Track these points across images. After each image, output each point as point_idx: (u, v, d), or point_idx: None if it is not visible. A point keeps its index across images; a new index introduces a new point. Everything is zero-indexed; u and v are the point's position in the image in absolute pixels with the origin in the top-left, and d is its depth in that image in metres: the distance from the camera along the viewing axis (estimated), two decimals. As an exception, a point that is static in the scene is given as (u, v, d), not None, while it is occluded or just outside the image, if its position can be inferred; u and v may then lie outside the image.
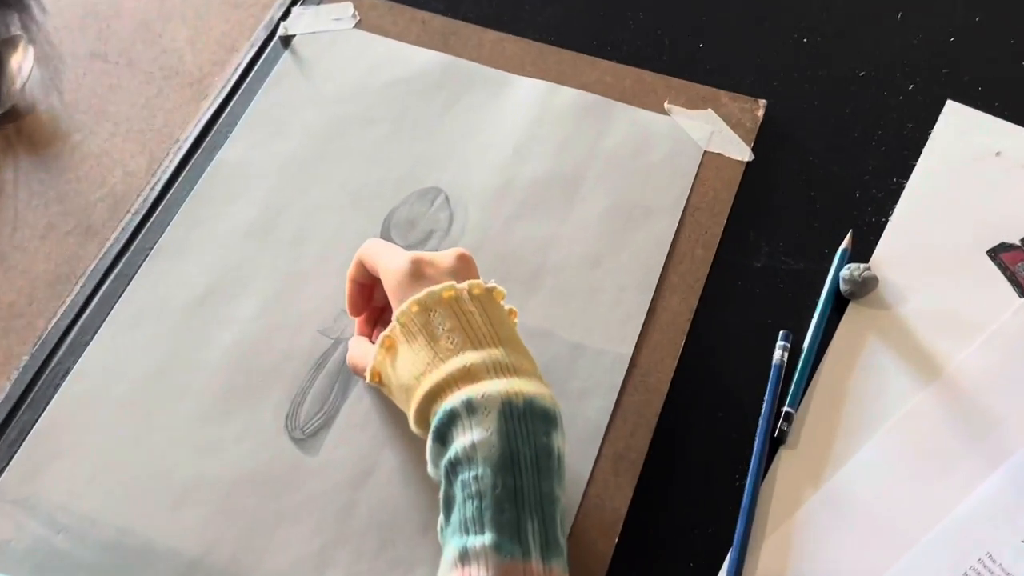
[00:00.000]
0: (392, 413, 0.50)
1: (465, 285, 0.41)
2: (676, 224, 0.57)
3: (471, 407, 0.37)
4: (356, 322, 0.51)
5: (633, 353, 0.52)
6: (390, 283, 0.42)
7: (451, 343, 0.39)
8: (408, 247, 0.56)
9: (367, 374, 0.44)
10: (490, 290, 0.42)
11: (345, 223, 0.57)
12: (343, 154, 0.60)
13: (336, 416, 0.51)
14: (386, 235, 0.57)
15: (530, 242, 0.56)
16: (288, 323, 0.54)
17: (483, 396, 0.37)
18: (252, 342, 0.53)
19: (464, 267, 0.43)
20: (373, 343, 0.48)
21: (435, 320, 0.40)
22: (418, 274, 0.41)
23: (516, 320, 0.45)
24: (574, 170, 0.58)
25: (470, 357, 0.39)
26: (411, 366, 0.40)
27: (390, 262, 0.43)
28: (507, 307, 0.44)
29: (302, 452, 0.50)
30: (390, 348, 0.41)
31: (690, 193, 0.58)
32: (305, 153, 0.60)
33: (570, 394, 0.51)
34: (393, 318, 0.41)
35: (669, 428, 0.50)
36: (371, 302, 0.49)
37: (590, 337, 0.53)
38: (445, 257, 0.43)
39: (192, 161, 0.59)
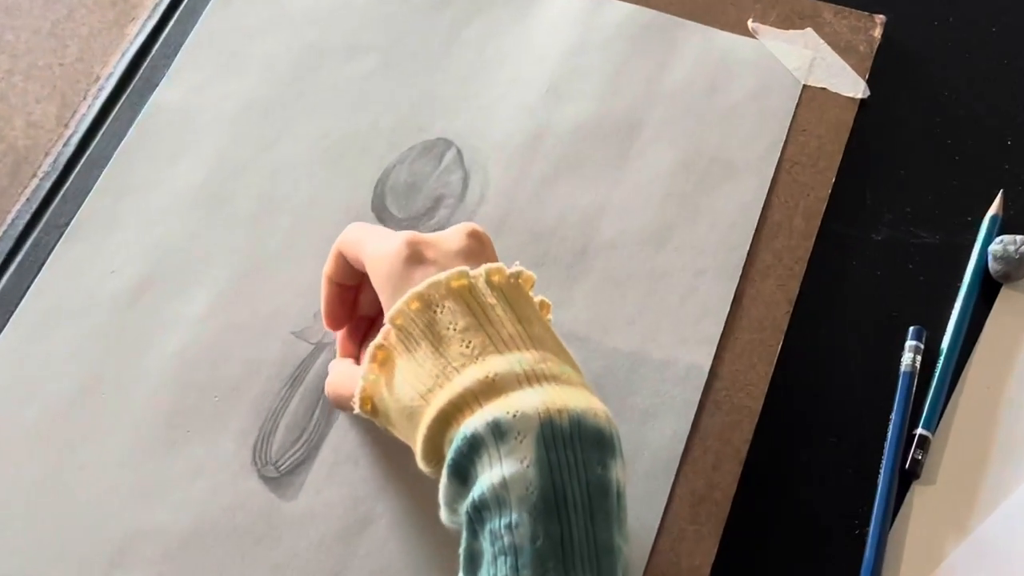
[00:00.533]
0: (395, 442, 0.48)
1: (481, 271, 0.40)
2: (767, 185, 0.56)
3: (499, 430, 0.36)
4: (337, 337, 0.50)
5: (713, 361, 0.52)
6: (380, 274, 0.41)
7: (467, 347, 0.38)
8: (408, 221, 0.56)
9: (355, 402, 0.42)
10: (515, 276, 0.41)
11: (323, 189, 0.57)
12: (319, 96, 0.59)
13: (320, 447, 0.50)
14: (379, 205, 0.56)
15: (571, 212, 0.56)
16: (252, 323, 0.53)
17: (515, 415, 0.36)
18: (205, 349, 0.53)
19: (478, 247, 0.42)
20: (360, 364, 0.47)
21: (443, 318, 0.39)
22: (416, 259, 0.41)
23: (550, 316, 0.44)
24: (628, 114, 0.58)
25: (494, 364, 0.38)
26: (415, 382, 0.39)
27: (378, 247, 0.42)
28: (538, 298, 0.43)
29: (276, 496, 0.49)
30: (384, 362, 0.41)
31: (785, 143, 0.57)
32: (268, 95, 0.59)
33: (630, 416, 0.51)
34: (386, 320, 0.40)
35: (764, 459, 0.50)
36: (356, 310, 0.49)
37: (655, 340, 0.52)
38: (451, 236, 0.42)
39: (117, 107, 0.59)
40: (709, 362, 0.52)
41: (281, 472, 0.50)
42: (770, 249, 0.54)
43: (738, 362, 0.52)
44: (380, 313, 0.44)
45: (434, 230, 0.53)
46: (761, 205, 0.55)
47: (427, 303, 0.39)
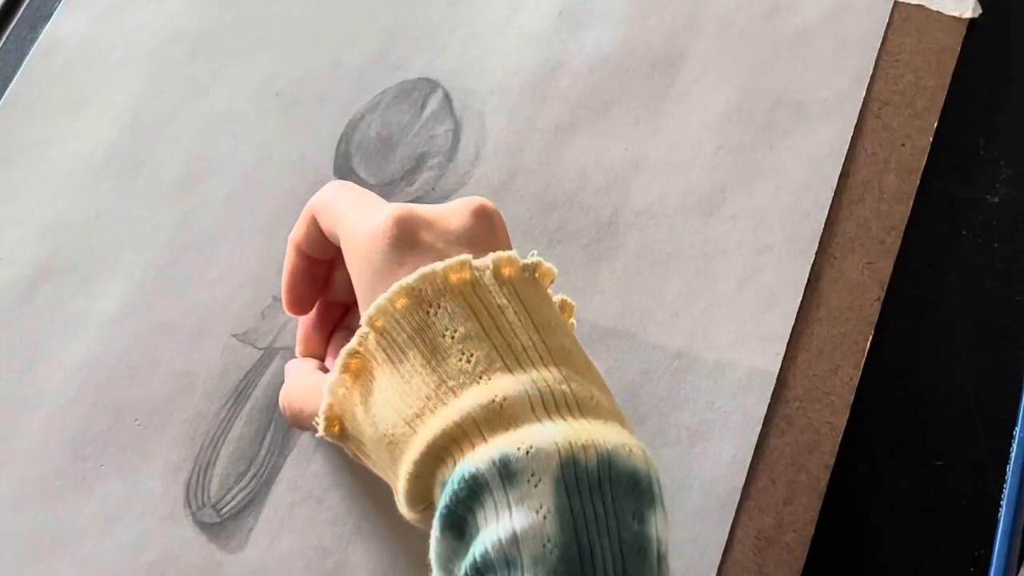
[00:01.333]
0: (369, 478, 0.48)
1: (488, 261, 0.40)
2: (850, 133, 0.56)
3: (508, 470, 0.36)
4: (298, 326, 0.50)
5: (782, 364, 0.52)
6: (358, 258, 0.42)
7: (468, 360, 0.39)
8: (381, 188, 0.56)
9: (318, 421, 0.42)
10: (531, 269, 0.41)
11: (271, 148, 0.56)
12: (263, 26, 0.59)
13: (273, 483, 0.50)
14: (343, 167, 0.56)
15: (595, 172, 0.56)
16: (182, 324, 0.53)
17: (529, 451, 0.36)
18: (120, 359, 0.53)
19: (486, 230, 0.42)
20: (327, 369, 0.47)
21: (438, 322, 0.39)
22: (408, 241, 0.41)
23: (573, 321, 0.45)
24: (667, 42, 0.58)
25: (503, 384, 0.38)
26: (398, 403, 0.39)
27: (359, 222, 0.42)
28: (557, 297, 0.44)
29: (217, 546, 0.49)
30: (359, 373, 0.41)
31: (872, 78, 0.57)
32: (197, 25, 0.59)
33: (675, 437, 0.51)
34: (363, 320, 0.40)
35: (849, 490, 0.50)
36: (326, 291, 0.49)
37: (706, 339, 0.53)
38: (453, 212, 0.42)
39: (0, 43, 0.59)
40: (777, 366, 0.52)
41: (223, 516, 0.50)
42: (854, 217, 0.55)
43: (815, 365, 0.52)
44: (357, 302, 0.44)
45: (416, 198, 0.56)
46: (842, 160, 0.55)
47: (418, 301, 0.40)
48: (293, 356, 0.52)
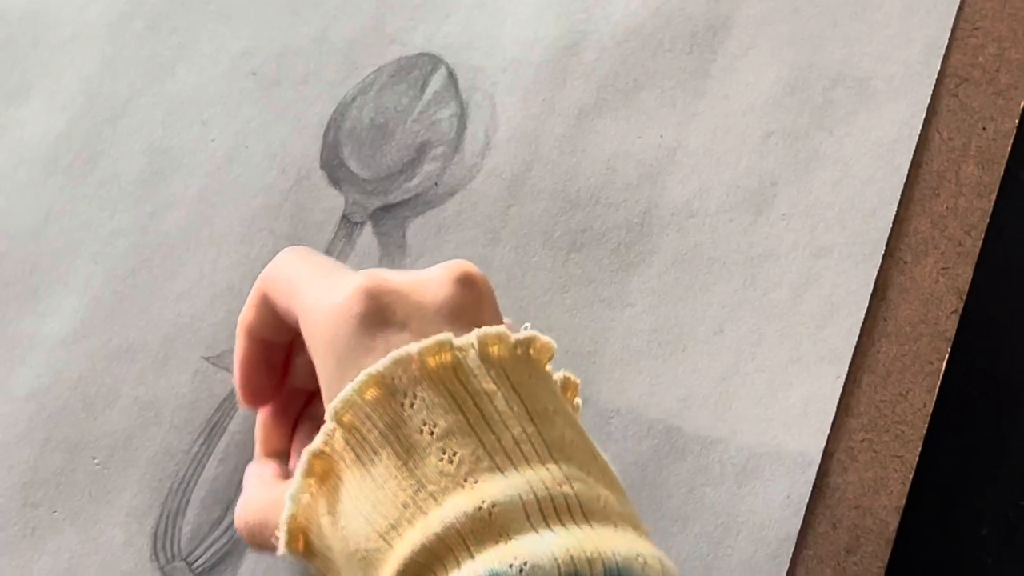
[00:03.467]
0: None
1: (472, 338, 0.40)
2: (922, 115, 0.56)
3: None
4: (257, 422, 0.49)
5: (844, 387, 0.52)
6: (320, 339, 0.42)
7: (449, 461, 0.39)
8: (377, 183, 0.56)
9: (279, 534, 0.42)
10: (525, 344, 0.42)
11: (247, 137, 0.56)
12: None
13: None
14: (332, 160, 0.56)
15: (624, 164, 0.56)
16: (145, 346, 0.53)
17: (523, 568, 0.37)
18: (74, 388, 0.53)
19: (471, 300, 0.42)
20: (288, 474, 0.46)
21: (414, 415, 0.40)
22: (378, 318, 0.41)
23: (578, 400, 0.45)
24: (708, 9, 0.58)
25: (491, 488, 0.38)
26: (371, 513, 0.39)
27: (319, 296, 0.42)
28: (558, 375, 0.44)
29: None
30: (326, 477, 0.41)
31: (948, 49, 0.57)
32: None
33: (720, 475, 0.51)
34: (327, 414, 0.40)
35: (923, 535, 0.50)
36: (287, 378, 0.48)
37: (754, 358, 0.53)
38: (432, 281, 0.43)
39: None
40: (838, 390, 0.52)
41: (196, 571, 0.50)
42: (928, 214, 0.54)
43: (882, 389, 0.52)
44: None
45: (415, 194, 0.56)
46: (913, 146, 0.55)
47: (390, 391, 0.40)
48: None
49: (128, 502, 0.50)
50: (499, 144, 0.56)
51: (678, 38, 0.57)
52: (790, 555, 0.49)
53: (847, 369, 0.52)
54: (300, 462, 0.41)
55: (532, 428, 0.40)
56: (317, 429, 0.41)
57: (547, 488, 0.39)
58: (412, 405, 0.39)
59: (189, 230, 0.55)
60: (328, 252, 0.54)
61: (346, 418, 0.40)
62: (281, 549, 0.42)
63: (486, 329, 0.41)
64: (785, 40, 0.57)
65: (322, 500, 0.41)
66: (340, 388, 0.40)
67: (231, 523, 0.50)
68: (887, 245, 0.54)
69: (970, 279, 0.53)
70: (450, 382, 0.40)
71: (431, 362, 0.40)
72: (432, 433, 0.39)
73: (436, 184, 0.55)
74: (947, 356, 0.52)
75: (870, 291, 0.53)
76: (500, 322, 0.43)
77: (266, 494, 0.45)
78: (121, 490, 0.51)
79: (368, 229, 0.54)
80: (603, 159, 0.55)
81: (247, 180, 0.55)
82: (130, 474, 0.51)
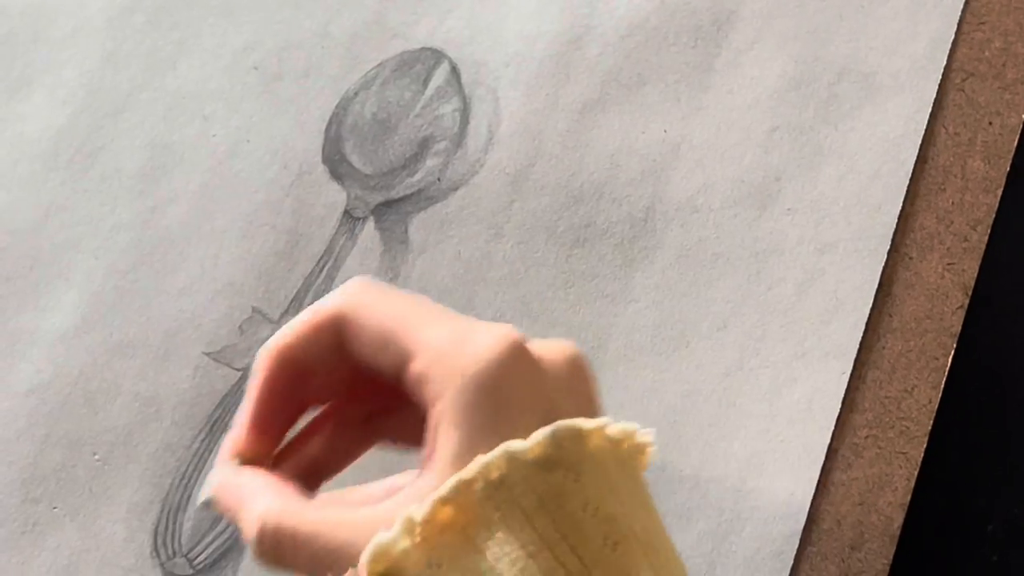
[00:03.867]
0: None
1: (618, 430, 0.39)
2: (928, 110, 0.56)
3: None
4: (239, 411, 0.45)
5: (849, 383, 0.52)
6: (453, 383, 0.39)
7: (612, 548, 0.38)
8: (378, 178, 0.56)
9: (363, 560, 0.38)
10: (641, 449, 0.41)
11: (249, 132, 0.57)
12: None
13: None
14: (333, 154, 0.56)
15: (628, 159, 0.56)
16: (146, 341, 0.53)
17: None
18: (75, 383, 0.53)
19: (580, 382, 0.41)
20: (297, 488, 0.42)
21: (576, 492, 0.38)
22: (519, 382, 0.39)
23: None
24: (713, 3, 0.58)
25: None
26: None
27: (451, 336, 0.40)
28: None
29: None
30: (446, 528, 0.38)
31: (954, 43, 0.57)
32: None
33: (724, 470, 0.51)
34: (475, 465, 0.37)
35: (928, 532, 0.50)
36: (300, 412, 0.44)
37: (759, 354, 0.53)
38: (551, 351, 0.41)
39: None
40: (843, 386, 0.52)
41: (197, 567, 0.50)
42: (934, 209, 0.54)
43: (887, 385, 0.52)
44: (329, 399, 0.43)
45: (418, 189, 0.56)
46: (919, 141, 0.55)
47: (554, 461, 0.38)
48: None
49: (129, 498, 0.51)
50: (502, 139, 0.56)
51: (682, 32, 0.57)
52: (794, 551, 0.49)
53: (852, 365, 0.52)
54: (414, 504, 0.38)
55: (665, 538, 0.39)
56: (337, 438, 0.41)
57: None
58: (576, 480, 0.38)
59: (190, 225, 0.55)
60: (330, 248, 0.54)
61: (496, 474, 0.37)
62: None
63: (624, 424, 0.40)
64: (790, 34, 0.57)
65: (426, 550, 0.38)
66: (478, 440, 0.38)
67: (234, 520, 0.50)
68: (892, 240, 0.54)
69: (976, 274, 0.53)
70: (612, 470, 0.39)
71: (595, 442, 0.39)
72: (595, 515, 0.38)
73: (439, 179, 0.55)
74: (952, 352, 0.52)
75: (875, 286, 0.53)
76: (598, 406, 0.42)
77: (323, 515, 0.42)
78: (122, 486, 0.51)
79: (370, 224, 0.54)
80: (607, 154, 0.55)
81: (248, 175, 0.55)
82: (131, 470, 0.51)
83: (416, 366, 0.40)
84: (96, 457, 0.51)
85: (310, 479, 0.43)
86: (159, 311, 0.53)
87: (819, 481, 0.50)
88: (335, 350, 0.42)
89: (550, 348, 0.41)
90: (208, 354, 0.53)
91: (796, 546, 0.49)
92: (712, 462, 0.51)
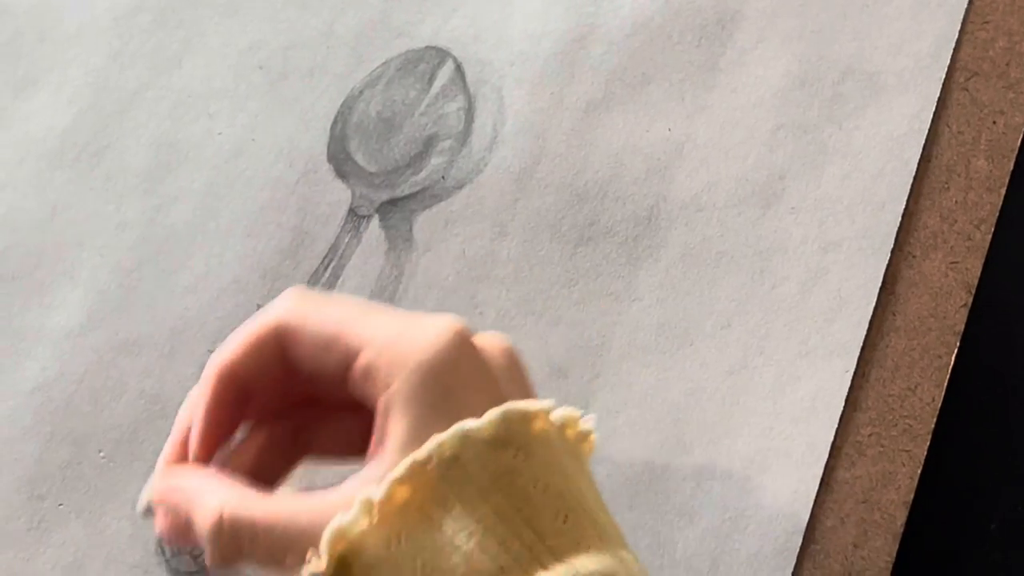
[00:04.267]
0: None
1: (561, 414, 0.40)
2: (931, 109, 0.56)
3: None
4: (182, 410, 0.45)
5: (853, 381, 0.52)
6: (416, 376, 0.40)
7: (564, 521, 0.39)
8: (383, 176, 0.56)
9: (318, 553, 0.38)
10: (585, 435, 0.42)
11: (254, 130, 0.57)
12: None
13: None
14: (339, 153, 0.56)
15: (632, 158, 0.56)
16: (152, 339, 0.53)
17: None
18: (81, 381, 0.53)
19: (517, 371, 0.42)
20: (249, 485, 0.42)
21: (525, 470, 0.39)
22: (466, 368, 0.40)
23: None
24: (718, 2, 0.58)
25: (606, 561, 0.38)
26: (473, 551, 0.38)
27: (396, 327, 0.40)
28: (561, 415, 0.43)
29: None
30: (406, 508, 0.38)
31: (958, 43, 0.57)
32: None
33: (726, 469, 0.51)
34: (430, 444, 0.38)
35: (931, 530, 0.50)
36: (240, 419, 0.45)
37: (762, 352, 0.53)
38: (489, 340, 0.42)
39: None
40: (846, 384, 0.52)
41: (201, 564, 0.50)
42: (937, 208, 0.54)
43: (890, 383, 0.52)
44: (263, 412, 0.43)
45: (422, 187, 0.56)
46: (923, 140, 0.55)
47: (503, 441, 0.39)
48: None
49: (134, 495, 0.48)
50: (507, 138, 0.56)
51: (687, 31, 0.57)
52: (797, 549, 0.49)
53: (855, 363, 0.52)
54: (371, 486, 0.38)
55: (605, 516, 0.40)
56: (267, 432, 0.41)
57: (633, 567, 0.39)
58: (526, 459, 0.39)
59: (195, 223, 0.55)
60: (335, 246, 0.54)
61: (450, 453, 0.38)
62: (315, 568, 0.39)
63: (567, 409, 0.41)
64: (794, 33, 0.57)
65: (384, 530, 0.38)
66: (430, 422, 0.39)
67: (237, 516, 0.50)
68: (896, 239, 0.54)
69: (979, 273, 0.53)
70: (557, 450, 0.40)
71: (539, 424, 0.40)
72: (545, 491, 0.39)
73: (443, 178, 0.55)
74: (956, 350, 0.52)
75: (879, 285, 0.53)
76: (530, 392, 0.43)
77: (280, 504, 0.42)
78: (127, 483, 0.51)
79: (375, 222, 0.54)
80: (611, 153, 0.55)
81: (254, 173, 0.55)
82: (136, 468, 0.51)
83: (362, 359, 0.40)
84: (102, 455, 0.51)
85: None
86: (164, 309, 0.53)
87: (822, 479, 0.50)
88: (277, 362, 0.42)
89: (488, 339, 0.42)
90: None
91: (799, 544, 0.49)
92: (715, 460, 0.51)
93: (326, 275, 0.53)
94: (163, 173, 0.56)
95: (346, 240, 0.54)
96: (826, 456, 0.50)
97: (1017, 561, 0.50)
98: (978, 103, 0.55)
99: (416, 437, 0.39)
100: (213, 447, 0.44)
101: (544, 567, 0.37)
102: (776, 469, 0.50)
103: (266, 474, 0.43)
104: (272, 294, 0.52)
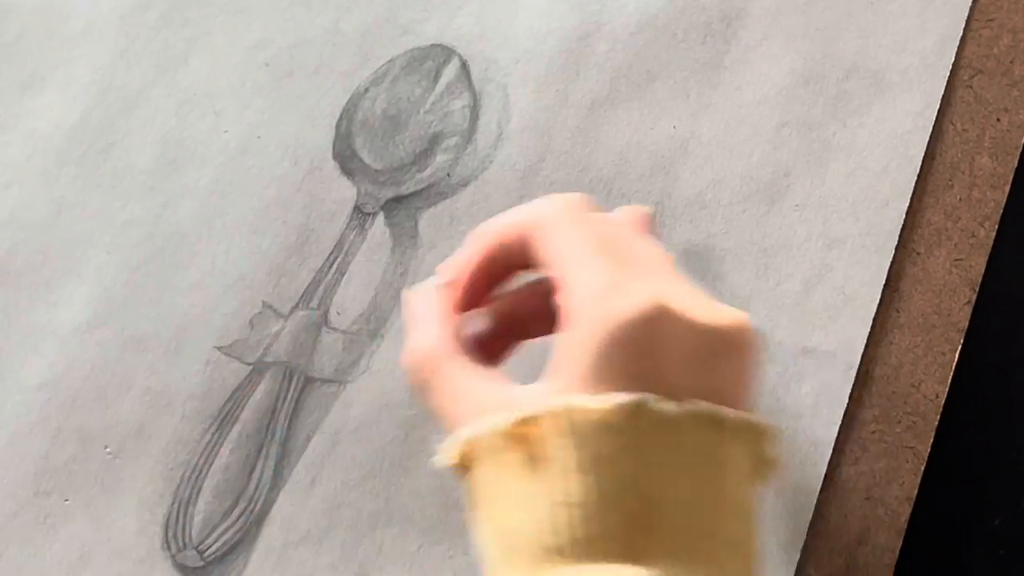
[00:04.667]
0: (384, 510, 0.50)
1: (741, 418, 0.40)
2: (935, 107, 0.56)
3: None
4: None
5: (856, 378, 0.52)
6: (580, 330, 0.39)
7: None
8: (389, 174, 0.56)
9: (445, 447, 0.39)
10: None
11: (260, 128, 0.57)
12: None
13: (264, 521, 0.51)
14: (344, 150, 0.57)
15: (637, 155, 0.56)
16: (158, 336, 0.54)
17: None
18: (87, 377, 0.53)
19: (726, 358, 0.41)
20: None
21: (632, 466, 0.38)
22: (657, 338, 0.39)
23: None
24: (722, 0, 0.58)
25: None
26: (545, 515, 0.38)
27: (597, 285, 0.40)
28: None
29: None
30: (512, 446, 0.39)
31: (962, 41, 0.57)
32: None
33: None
34: (560, 401, 0.38)
35: (934, 526, 0.50)
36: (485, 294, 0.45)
37: (767, 348, 0.52)
38: (718, 318, 0.41)
39: None
40: (850, 380, 0.52)
41: (207, 559, 0.50)
42: (941, 205, 0.54)
43: (894, 380, 0.52)
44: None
45: (427, 185, 0.56)
46: (927, 138, 0.55)
47: (621, 428, 0.38)
48: (285, 372, 0.52)
49: (140, 491, 0.51)
50: (512, 135, 0.56)
51: (692, 29, 0.57)
52: (801, 546, 0.49)
53: (859, 360, 0.52)
54: (503, 413, 0.39)
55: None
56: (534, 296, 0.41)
57: None
58: (633, 456, 0.38)
59: (201, 221, 0.55)
60: (340, 243, 0.54)
61: (565, 422, 0.38)
62: (440, 462, 0.40)
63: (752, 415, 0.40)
64: (799, 31, 0.57)
65: (495, 457, 0.39)
66: (580, 381, 0.38)
67: (243, 512, 0.51)
68: (900, 236, 0.53)
69: (983, 270, 0.53)
70: (682, 453, 0.39)
71: (680, 423, 0.39)
72: (634, 487, 0.38)
73: (448, 175, 0.55)
74: (960, 347, 0.52)
75: (883, 282, 0.53)
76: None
77: (455, 369, 0.42)
78: (133, 479, 0.51)
79: (380, 220, 0.54)
80: (616, 150, 0.55)
81: (260, 171, 0.55)
82: (142, 463, 0.51)
83: (561, 300, 0.39)
84: (108, 451, 0.51)
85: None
86: (170, 306, 0.54)
87: (826, 475, 0.50)
88: (515, 257, 0.42)
89: (713, 313, 0.40)
90: (219, 348, 0.53)
91: (803, 540, 0.49)
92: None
93: (331, 272, 0.54)
94: (169, 170, 0.56)
95: (351, 237, 0.54)
96: (830, 452, 0.50)
97: (1021, 556, 0.50)
98: (982, 101, 0.55)
99: (572, 384, 0.38)
100: (481, 287, 0.44)
101: (597, 560, 0.37)
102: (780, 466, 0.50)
103: (487, 352, 0.43)
104: (278, 291, 0.54)
